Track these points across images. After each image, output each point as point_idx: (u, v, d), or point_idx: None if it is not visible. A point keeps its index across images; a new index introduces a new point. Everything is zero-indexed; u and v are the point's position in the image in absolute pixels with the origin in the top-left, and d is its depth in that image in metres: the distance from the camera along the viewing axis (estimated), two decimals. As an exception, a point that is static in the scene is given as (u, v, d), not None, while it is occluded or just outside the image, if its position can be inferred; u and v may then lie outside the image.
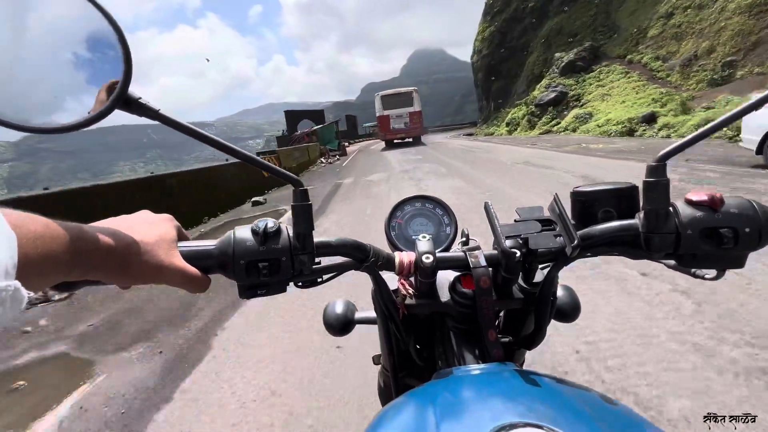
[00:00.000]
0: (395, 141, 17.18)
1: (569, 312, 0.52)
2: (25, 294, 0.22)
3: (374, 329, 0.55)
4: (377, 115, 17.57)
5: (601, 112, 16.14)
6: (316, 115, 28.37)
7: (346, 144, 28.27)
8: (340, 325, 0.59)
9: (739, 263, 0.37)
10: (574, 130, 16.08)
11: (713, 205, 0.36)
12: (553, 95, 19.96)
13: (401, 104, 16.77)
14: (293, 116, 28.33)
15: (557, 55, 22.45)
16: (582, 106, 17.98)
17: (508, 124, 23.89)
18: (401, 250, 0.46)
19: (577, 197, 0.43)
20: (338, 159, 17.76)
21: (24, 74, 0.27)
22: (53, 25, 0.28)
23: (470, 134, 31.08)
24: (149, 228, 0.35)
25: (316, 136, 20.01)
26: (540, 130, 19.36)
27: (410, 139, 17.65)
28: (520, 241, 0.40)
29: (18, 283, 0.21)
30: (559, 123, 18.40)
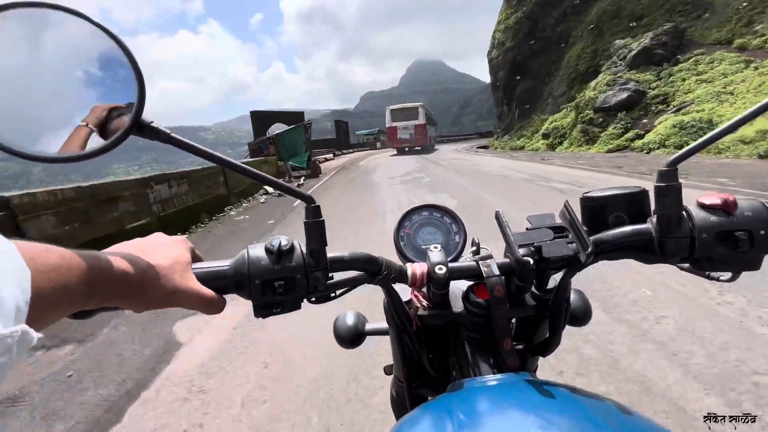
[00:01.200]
0: (405, 148, 19.07)
1: (581, 316, 0.52)
2: (35, 336, 0.21)
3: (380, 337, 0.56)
4: (387, 125, 19.16)
5: (723, 117, 9.93)
6: (292, 117, 20.94)
7: (327, 157, 21.94)
8: (351, 338, 0.59)
9: (755, 265, 0.37)
10: (679, 147, 9.73)
11: (727, 208, 0.36)
12: (623, 96, 13.73)
13: (408, 117, 18.16)
14: (262, 119, 20.79)
15: (618, 43, 16.31)
16: (679, 110, 11.68)
17: (546, 136, 17.57)
18: (411, 261, 0.46)
19: (587, 203, 0.43)
20: (302, 182, 11.17)
21: (38, 103, 0.28)
22: (67, 54, 0.28)
23: (484, 147, 25.11)
24: (164, 251, 0.35)
25: (275, 145, 13.51)
26: (607, 146, 13.06)
27: (418, 147, 19.02)
28: (533, 249, 0.40)
29: (26, 327, 0.20)
30: (641, 136, 12.11)
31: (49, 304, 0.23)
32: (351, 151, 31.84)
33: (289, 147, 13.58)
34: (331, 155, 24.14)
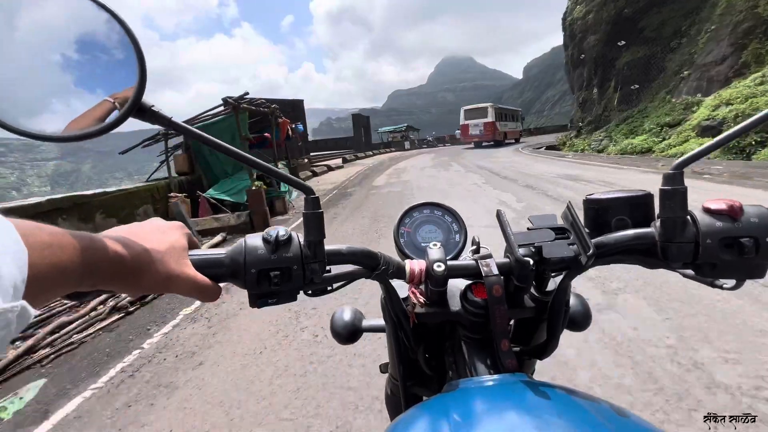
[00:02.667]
0: (482, 143, 20.71)
1: (580, 320, 0.52)
2: (32, 312, 0.21)
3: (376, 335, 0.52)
4: (461, 123, 21.29)
5: None
6: (287, 107, 14.20)
7: (333, 164, 15.36)
8: (348, 334, 0.59)
9: (760, 273, 0.37)
10: None
11: (732, 213, 0.35)
12: None
13: (478, 116, 20.28)
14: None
15: None
16: None
17: (708, 131, 9.66)
18: (411, 258, 0.46)
19: (590, 205, 0.42)
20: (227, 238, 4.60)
21: (41, 84, 0.28)
22: (71, 35, 0.29)
23: (553, 147, 17.11)
24: (160, 236, 0.35)
25: (191, 158, 6.81)
26: None
27: (490, 142, 20.44)
28: (533, 250, 0.40)
29: (25, 303, 0.21)
30: None
31: (43, 281, 0.23)
32: (372, 153, 23.32)
33: (214, 163, 6.68)
34: (340, 160, 17.41)
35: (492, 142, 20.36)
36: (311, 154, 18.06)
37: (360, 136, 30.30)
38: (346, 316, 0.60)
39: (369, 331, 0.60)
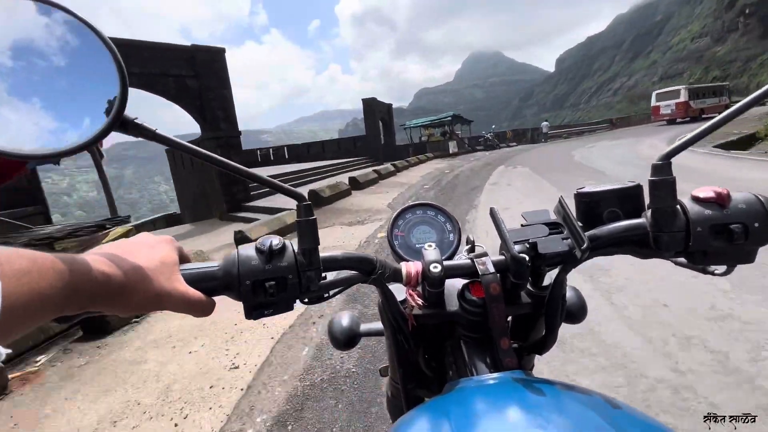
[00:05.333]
0: (675, 119, 22.86)
1: (576, 312, 0.53)
2: (3, 352, 0.20)
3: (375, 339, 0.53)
4: (652, 105, 23.84)
5: None
6: (169, 55, 7.57)
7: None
8: (346, 339, 0.60)
9: (749, 258, 0.37)
10: None
11: (721, 201, 0.36)
12: None
13: (669, 98, 23.00)
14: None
15: None
16: None
17: None
18: (406, 260, 0.45)
19: (582, 198, 0.43)
20: None
21: (17, 99, 0.27)
22: (48, 48, 0.28)
23: (732, 144, 10.04)
24: (148, 252, 0.33)
25: None
26: None
27: (683, 119, 22.35)
28: (528, 246, 0.40)
29: None
30: None
31: (21, 311, 0.22)
32: (397, 166, 12.33)
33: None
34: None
35: (687, 119, 22.43)
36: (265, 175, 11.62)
37: (376, 133, 19.03)
38: (344, 321, 0.61)
39: (367, 335, 0.61)
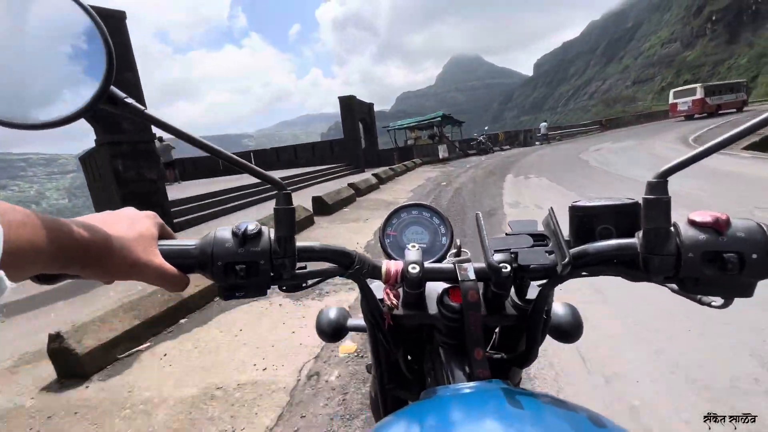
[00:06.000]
0: (693, 115, 24.17)
1: (570, 331, 0.50)
2: (8, 284, 0.22)
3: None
4: (670, 102, 25.54)
5: None
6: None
7: None
8: (332, 331, 0.60)
9: (747, 292, 0.34)
10: None
11: (718, 227, 0.33)
12: None
13: (686, 95, 24.40)
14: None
15: None
16: None
17: None
18: (394, 259, 0.46)
19: (575, 212, 0.41)
20: None
21: (6, 71, 0.28)
22: (38, 23, 0.28)
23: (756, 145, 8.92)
24: (129, 224, 0.35)
25: None
26: None
27: (699, 115, 23.83)
28: (512, 256, 0.39)
29: (2, 273, 0.21)
30: None
31: (17, 258, 0.24)
32: (373, 183, 8.77)
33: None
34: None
35: (704, 114, 23.69)
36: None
37: (356, 136, 16.42)
38: (332, 314, 0.62)
39: (353, 330, 0.61)
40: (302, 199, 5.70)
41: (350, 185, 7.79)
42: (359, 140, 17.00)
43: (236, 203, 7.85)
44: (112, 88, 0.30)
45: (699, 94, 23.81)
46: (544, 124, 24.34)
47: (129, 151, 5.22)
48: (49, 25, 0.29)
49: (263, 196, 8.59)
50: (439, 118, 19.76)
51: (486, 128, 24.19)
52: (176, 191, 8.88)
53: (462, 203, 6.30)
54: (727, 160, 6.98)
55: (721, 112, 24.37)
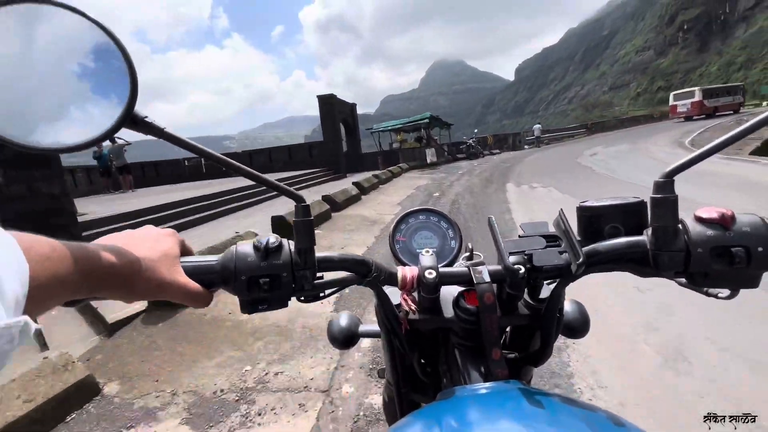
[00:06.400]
0: (692, 117, 25.20)
1: (578, 327, 0.52)
2: (34, 326, 0.22)
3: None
4: (670, 104, 27.17)
5: None
6: None
7: None
8: (344, 339, 0.61)
9: (753, 283, 0.36)
10: None
11: (724, 222, 0.35)
12: None
13: (685, 98, 25.65)
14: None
15: None
16: None
17: None
18: (406, 265, 0.46)
19: (583, 212, 0.42)
20: None
21: (33, 96, 0.29)
22: (62, 48, 0.29)
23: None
24: (152, 244, 0.35)
25: None
26: None
27: (697, 116, 24.72)
28: (525, 257, 0.40)
29: (27, 318, 0.21)
30: None
31: (44, 293, 0.24)
32: (353, 194, 6.90)
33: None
34: None
35: (702, 116, 24.53)
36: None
37: (336, 138, 15.01)
38: (343, 321, 0.62)
39: (365, 336, 0.61)
40: (260, 218, 4.33)
41: (325, 199, 6.30)
42: (340, 143, 15.66)
43: (191, 217, 6.43)
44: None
45: (697, 97, 24.68)
46: (538, 126, 23.31)
47: (14, 157, 3.80)
48: (70, 49, 0.29)
49: (222, 209, 7.18)
50: (426, 120, 18.10)
51: (476, 131, 22.16)
52: (122, 202, 7.37)
53: (463, 223, 5.11)
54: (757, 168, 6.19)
55: (717, 114, 25.02)
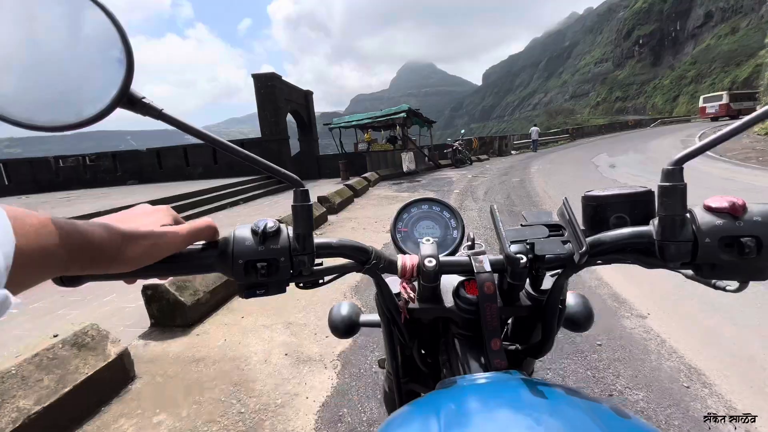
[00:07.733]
0: (718, 118, 28.57)
1: (582, 321, 0.52)
2: (13, 301, 0.22)
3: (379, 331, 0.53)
4: (700, 106, 30.91)
5: None
6: None
7: None
8: (345, 328, 0.61)
9: (763, 275, 0.35)
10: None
11: (734, 212, 0.34)
12: None
13: (714, 100, 29.51)
14: None
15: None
16: None
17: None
18: (407, 253, 0.46)
19: (589, 202, 0.41)
20: None
21: (26, 73, 0.28)
22: (56, 24, 0.28)
23: None
24: (144, 219, 0.35)
25: None
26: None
27: (726, 117, 27.68)
28: (527, 247, 0.39)
29: (5, 291, 0.21)
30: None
31: (30, 266, 0.24)
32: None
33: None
34: None
35: (727, 117, 27.15)
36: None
37: (281, 136, 11.64)
38: (344, 310, 0.62)
39: (366, 326, 0.61)
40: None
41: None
42: (286, 142, 11.68)
43: None
44: (131, 88, 0.30)
45: (725, 100, 28.19)
46: (536, 129, 20.70)
47: None
48: (66, 26, 0.29)
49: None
50: (403, 114, 13.49)
51: (462, 132, 17.78)
52: None
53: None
54: None
55: (741, 116, 27.90)
